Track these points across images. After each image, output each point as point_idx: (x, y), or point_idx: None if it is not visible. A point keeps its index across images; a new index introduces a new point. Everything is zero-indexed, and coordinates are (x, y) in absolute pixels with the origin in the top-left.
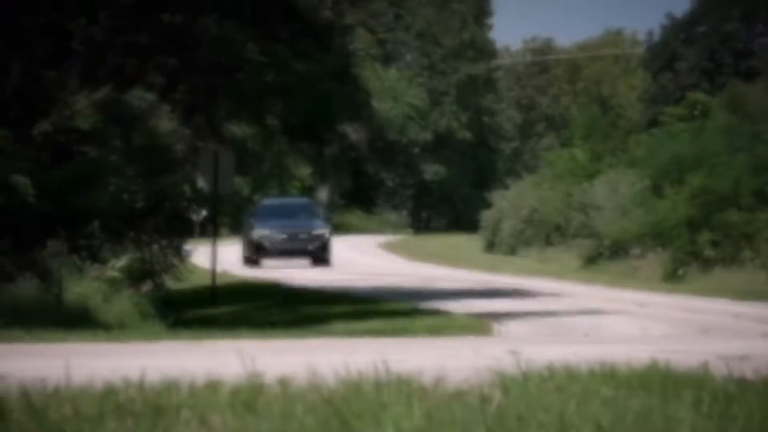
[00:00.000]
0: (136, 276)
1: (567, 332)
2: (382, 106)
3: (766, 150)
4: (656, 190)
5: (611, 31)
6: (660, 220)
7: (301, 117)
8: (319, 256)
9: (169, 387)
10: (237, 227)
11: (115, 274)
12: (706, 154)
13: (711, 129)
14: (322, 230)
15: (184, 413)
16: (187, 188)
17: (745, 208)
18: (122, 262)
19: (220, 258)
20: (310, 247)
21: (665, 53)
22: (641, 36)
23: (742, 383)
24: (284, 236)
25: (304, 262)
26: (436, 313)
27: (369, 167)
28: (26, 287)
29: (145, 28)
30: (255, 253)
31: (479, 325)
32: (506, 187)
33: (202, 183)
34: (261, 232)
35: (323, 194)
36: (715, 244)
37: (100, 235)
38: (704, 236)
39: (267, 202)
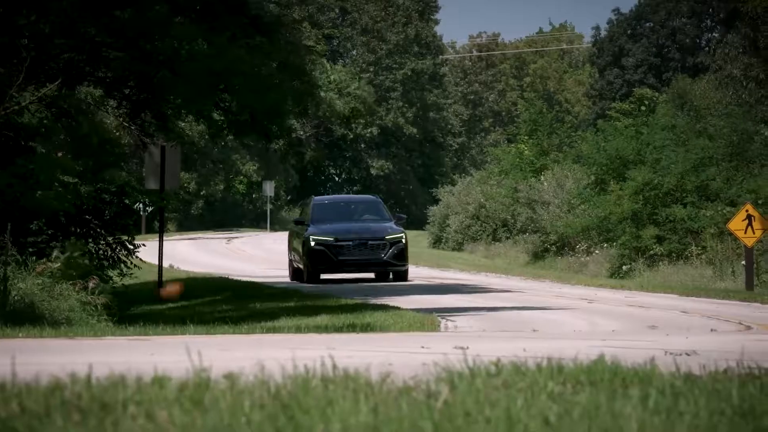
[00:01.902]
0: (82, 272)
1: (515, 328)
2: (328, 101)
3: (710, 145)
4: (601, 185)
5: (558, 27)
6: (605, 216)
7: (247, 112)
8: (396, 267)
9: (116, 383)
10: (184, 223)
11: (56, 266)
12: (649, 150)
13: (655, 124)
14: (397, 234)
15: (131, 409)
16: (133, 183)
17: (690, 204)
18: (66, 256)
19: (166, 253)
20: (384, 256)
21: (612, 49)
22: (588, 31)
23: (690, 379)
24: (350, 243)
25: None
26: (383, 308)
27: (315, 162)
28: None
29: (94, 23)
30: (311, 266)
31: (426, 320)
32: (453, 183)
33: (148, 178)
34: (319, 238)
35: (269, 189)
36: (660, 239)
37: (46, 231)
38: (648, 231)
39: (322, 200)
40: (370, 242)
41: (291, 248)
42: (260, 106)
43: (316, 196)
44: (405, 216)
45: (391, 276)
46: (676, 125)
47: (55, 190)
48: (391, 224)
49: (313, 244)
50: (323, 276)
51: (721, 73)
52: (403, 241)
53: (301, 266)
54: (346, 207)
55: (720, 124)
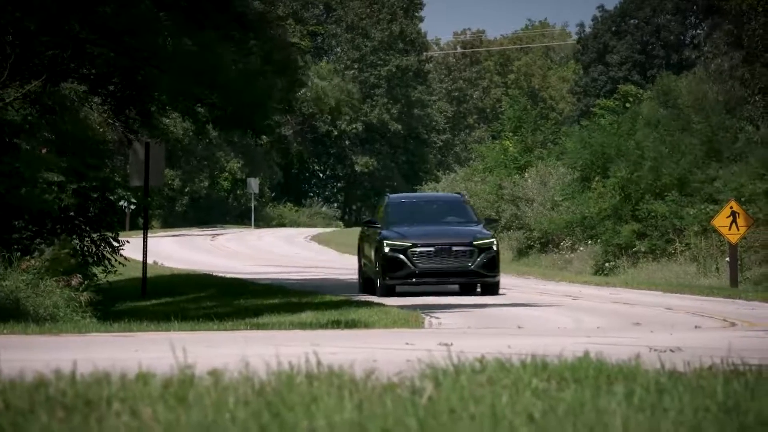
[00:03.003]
0: (66, 269)
1: (499, 324)
2: (313, 97)
3: (693, 142)
4: (585, 182)
5: (542, 24)
6: (588, 213)
7: (232, 108)
8: (485, 278)
9: (101, 379)
10: (168, 220)
11: (40, 263)
12: (632, 146)
13: (638, 121)
14: (487, 240)
15: (115, 405)
16: (118, 180)
17: (672, 202)
18: (50, 253)
19: (150, 250)
20: (471, 264)
21: (596, 45)
22: (572, 28)
23: (674, 375)
24: (431, 249)
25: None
26: (368, 305)
27: (299, 157)
28: None
29: (78, 20)
30: (385, 275)
31: (411, 317)
32: (437, 180)
33: (133, 175)
34: (395, 243)
35: (254, 186)
36: (640, 236)
37: (30, 228)
38: (628, 228)
39: (398, 198)
40: (455, 248)
41: (361, 254)
42: (245, 101)
43: (391, 193)
44: (497, 219)
45: (478, 288)
46: (660, 121)
47: (39, 187)
48: (480, 227)
49: (387, 249)
50: (400, 288)
51: (705, 70)
52: (494, 247)
53: (373, 276)
54: (426, 207)
55: (701, 121)
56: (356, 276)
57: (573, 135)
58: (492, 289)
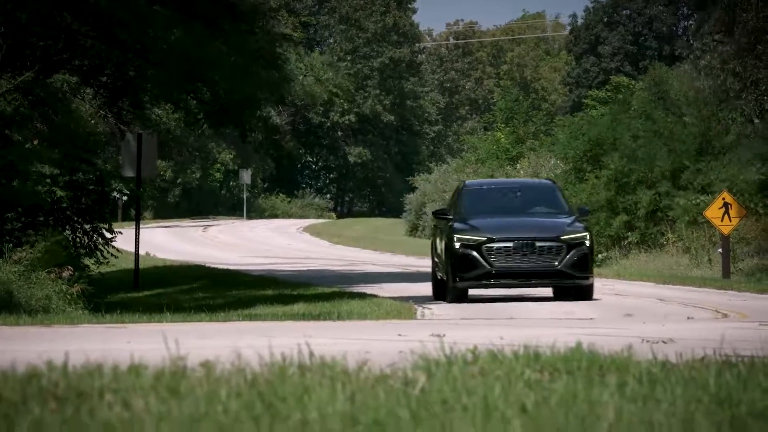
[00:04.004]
0: (58, 260)
1: (492, 315)
2: (305, 88)
3: (685, 134)
4: (578, 173)
5: (534, 15)
6: (580, 204)
7: (224, 100)
8: (575, 280)
9: (93, 371)
10: (161, 211)
11: (36, 256)
12: (624, 138)
13: (630, 112)
14: (579, 234)
15: (107, 397)
16: (111, 170)
17: (664, 193)
18: (42, 245)
19: (143, 241)
20: (558, 263)
21: (588, 36)
22: (564, 19)
23: (667, 367)
24: (509, 245)
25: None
26: (360, 296)
27: (292, 150)
28: None
29: (70, 11)
30: (455, 276)
31: (403, 308)
32: (430, 171)
33: (125, 166)
34: (466, 238)
35: (246, 177)
36: (631, 227)
37: (23, 219)
38: (619, 219)
39: (476, 185)
40: (539, 244)
41: (433, 251)
42: (235, 95)
43: (468, 180)
44: (588, 209)
45: (561, 289)
46: (650, 114)
47: (31, 180)
48: (570, 220)
49: (457, 245)
50: (473, 291)
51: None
52: (587, 243)
53: (443, 277)
54: (509, 195)
55: (693, 113)
56: (348, 267)
57: (564, 126)
58: (584, 293)
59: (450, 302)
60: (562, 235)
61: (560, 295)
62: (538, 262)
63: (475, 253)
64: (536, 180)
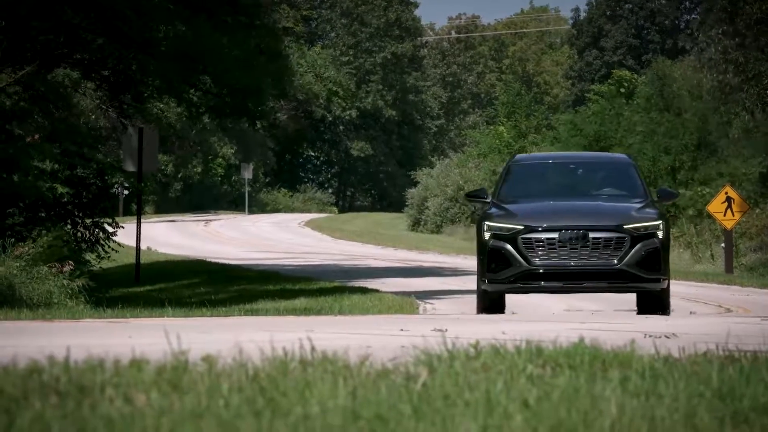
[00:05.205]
0: (60, 255)
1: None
2: (307, 83)
3: (683, 129)
4: None
5: (537, 8)
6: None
7: (226, 94)
8: (641, 283)
9: (94, 365)
10: (162, 205)
11: (38, 250)
12: (626, 132)
13: (632, 106)
14: (650, 222)
15: (108, 392)
16: (114, 164)
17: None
18: (44, 240)
19: (144, 235)
20: (618, 261)
21: (591, 30)
22: (567, 13)
23: (669, 361)
24: (553, 236)
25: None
26: (362, 291)
27: (294, 144)
28: None
29: (71, 5)
30: (484, 276)
31: (405, 303)
32: (431, 165)
33: (126, 160)
34: (500, 226)
35: (247, 172)
36: None
37: (24, 214)
38: None
39: (527, 160)
40: (593, 235)
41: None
42: (238, 86)
43: (520, 154)
44: (676, 192)
45: (635, 298)
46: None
47: (32, 175)
48: (642, 204)
49: (487, 236)
50: (510, 294)
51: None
52: (660, 235)
53: (482, 276)
54: (568, 173)
55: (695, 107)
56: (350, 261)
57: (565, 121)
58: (655, 301)
59: (479, 312)
60: (626, 224)
61: (645, 308)
62: (591, 259)
63: (509, 247)
64: (606, 154)
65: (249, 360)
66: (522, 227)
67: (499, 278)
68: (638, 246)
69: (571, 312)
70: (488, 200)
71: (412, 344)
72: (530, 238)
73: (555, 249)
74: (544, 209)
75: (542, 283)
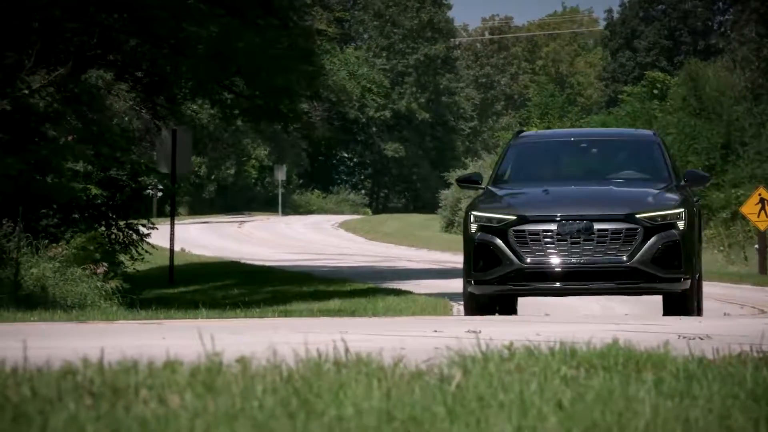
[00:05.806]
0: (93, 256)
1: (527, 311)
2: (340, 84)
3: (720, 130)
4: None
5: (570, 9)
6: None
7: (260, 95)
8: (654, 282)
9: (128, 367)
10: (195, 207)
11: (71, 252)
12: (659, 133)
13: (664, 108)
14: (666, 210)
15: (142, 393)
16: (149, 165)
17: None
18: (78, 241)
19: (178, 237)
20: (628, 257)
21: (624, 31)
22: (600, 14)
23: (703, 363)
24: (551, 228)
25: None
26: (395, 293)
27: (327, 146)
28: None
29: (105, 6)
30: (469, 274)
31: (439, 305)
32: (465, 167)
33: (160, 162)
34: (488, 216)
35: (281, 173)
36: None
37: (58, 215)
38: None
39: (534, 138)
40: (598, 226)
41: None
42: (271, 87)
43: (526, 131)
44: (707, 175)
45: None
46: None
47: (66, 176)
48: (663, 188)
49: (474, 228)
50: (503, 302)
51: (733, 55)
52: (681, 225)
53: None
54: (580, 152)
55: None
56: (383, 263)
57: (598, 122)
58: (676, 302)
59: (470, 315)
60: (639, 212)
61: (670, 311)
62: (596, 255)
63: (498, 241)
64: (627, 130)
65: (283, 361)
66: (514, 218)
67: (487, 278)
68: (654, 239)
69: (604, 314)
70: (481, 186)
71: (446, 345)
72: (523, 231)
73: (553, 243)
74: (542, 196)
75: (537, 284)
